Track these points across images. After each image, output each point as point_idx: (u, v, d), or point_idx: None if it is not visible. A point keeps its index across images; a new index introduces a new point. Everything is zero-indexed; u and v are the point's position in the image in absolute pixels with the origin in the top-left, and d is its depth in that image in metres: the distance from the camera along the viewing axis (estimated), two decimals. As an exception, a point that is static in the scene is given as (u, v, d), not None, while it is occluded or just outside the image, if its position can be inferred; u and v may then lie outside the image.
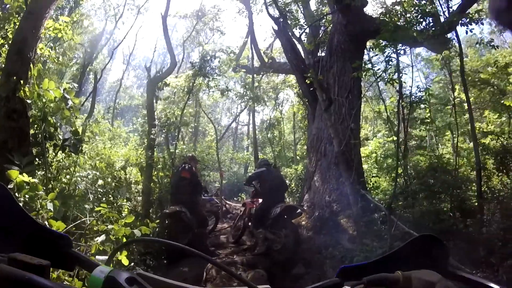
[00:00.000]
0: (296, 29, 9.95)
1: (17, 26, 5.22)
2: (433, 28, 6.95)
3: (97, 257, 2.62)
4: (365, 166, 9.90)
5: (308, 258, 6.13)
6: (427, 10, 7.44)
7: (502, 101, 9.29)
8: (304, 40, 9.77)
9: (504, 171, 7.64)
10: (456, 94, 10.06)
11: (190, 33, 19.03)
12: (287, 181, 9.65)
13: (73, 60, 16.75)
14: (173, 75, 13.01)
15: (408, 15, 7.35)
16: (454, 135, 9.82)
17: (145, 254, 5.15)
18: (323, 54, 10.01)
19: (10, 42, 5.13)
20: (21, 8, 5.88)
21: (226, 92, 12.72)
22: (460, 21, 6.51)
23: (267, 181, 6.62)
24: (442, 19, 7.39)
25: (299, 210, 6.48)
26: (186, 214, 5.96)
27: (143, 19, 46.71)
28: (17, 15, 5.94)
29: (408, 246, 0.83)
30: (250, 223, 6.88)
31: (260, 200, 6.80)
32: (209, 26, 18.72)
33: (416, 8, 7.48)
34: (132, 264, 4.28)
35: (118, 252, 2.93)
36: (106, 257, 2.72)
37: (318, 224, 7.41)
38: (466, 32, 6.74)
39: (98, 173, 5.54)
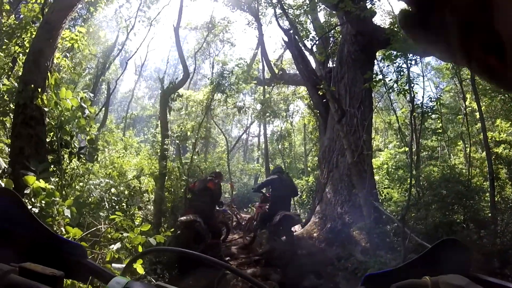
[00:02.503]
0: (307, 40, 10.02)
1: (33, 35, 5.35)
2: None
3: (113, 265, 2.62)
4: (376, 178, 9.82)
5: (321, 270, 6.04)
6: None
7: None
8: (315, 51, 9.82)
9: (517, 180, 7.52)
10: (467, 103, 10.00)
11: (202, 45, 19.27)
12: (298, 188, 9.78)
13: (85, 71, 17.08)
14: (185, 86, 13.17)
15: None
16: (466, 145, 9.73)
17: (156, 264, 5.14)
18: (333, 65, 10.03)
19: (26, 50, 5.25)
20: (37, 18, 6.04)
21: (243, 109, 12.81)
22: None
23: (277, 188, 6.82)
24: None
25: (297, 219, 6.67)
26: (201, 224, 5.95)
27: (155, 30, 47.60)
28: (33, 24, 6.10)
29: (432, 251, 0.82)
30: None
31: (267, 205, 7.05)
32: (219, 38, 18.93)
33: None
34: (143, 273, 4.27)
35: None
36: (123, 265, 2.73)
37: (330, 235, 7.32)
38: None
39: (111, 182, 5.58)
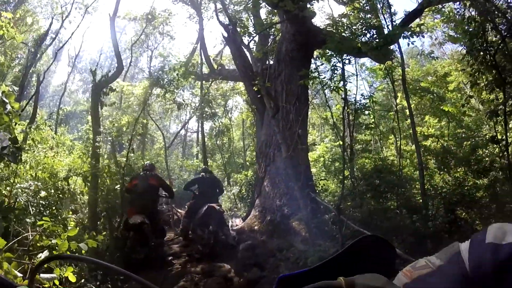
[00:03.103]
0: (245, 36, 10.10)
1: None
2: (377, 40, 7.43)
3: (41, 275, 2.48)
4: (313, 170, 10.26)
5: (263, 262, 6.20)
6: (371, 23, 7.95)
7: (442, 107, 10.16)
8: (253, 48, 9.95)
9: (445, 169, 8.33)
10: (398, 101, 10.79)
11: (139, 37, 18.48)
12: (230, 187, 11.45)
13: (15, 61, 15.53)
14: (120, 79, 12.58)
15: (353, 27, 7.79)
16: (397, 139, 10.50)
17: (96, 270, 4.89)
18: (271, 62, 10.25)
19: None
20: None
21: (183, 106, 12.55)
22: (402, 34, 7.02)
23: (200, 185, 7.53)
24: (385, 32, 7.93)
25: (220, 210, 6.87)
26: (148, 225, 5.75)
27: (91, 19, 44.60)
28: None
29: (351, 249, 0.79)
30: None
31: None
32: (159, 30, 18.32)
33: (361, 20, 7.97)
34: (83, 280, 4.06)
35: (61, 269, 2.79)
36: (52, 275, 2.59)
37: (271, 228, 7.53)
38: (408, 44, 7.28)
39: (40, 184, 5.18)
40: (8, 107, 4.02)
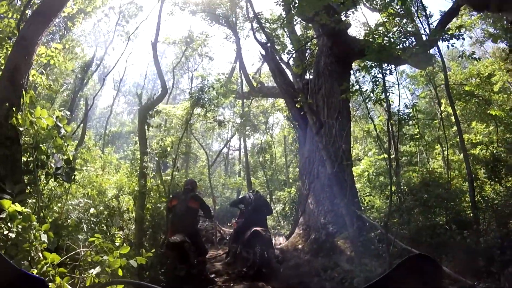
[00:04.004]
0: (283, 53, 10.15)
1: (9, 52, 5.22)
2: (416, 46, 7.18)
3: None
4: (358, 186, 9.95)
5: (307, 281, 6.02)
6: (408, 28, 7.71)
7: (488, 111, 9.54)
8: (292, 64, 9.97)
9: (496, 179, 7.75)
10: (442, 107, 10.30)
11: (180, 60, 19.26)
12: (274, 205, 11.05)
13: (63, 86, 16.74)
14: (164, 101, 13.06)
15: (390, 34, 7.59)
16: (444, 148, 9.97)
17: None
18: (310, 77, 10.19)
19: (1, 67, 5.12)
20: (13, 34, 5.90)
21: (224, 123, 12.82)
22: (441, 37, 6.73)
23: (248, 206, 7.19)
24: (423, 36, 7.66)
25: (265, 234, 6.70)
26: (189, 244, 5.83)
27: (133, 45, 47.31)
28: (9, 40, 5.95)
29: (400, 268, 0.80)
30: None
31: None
32: (197, 52, 18.97)
33: (398, 27, 7.75)
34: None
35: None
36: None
37: (315, 246, 7.32)
38: (448, 47, 6.95)
39: (90, 202, 5.42)
40: (62, 130, 4.27)
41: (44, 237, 2.81)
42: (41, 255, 2.70)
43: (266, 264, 6.44)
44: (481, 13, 9.44)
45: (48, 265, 2.63)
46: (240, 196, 8.26)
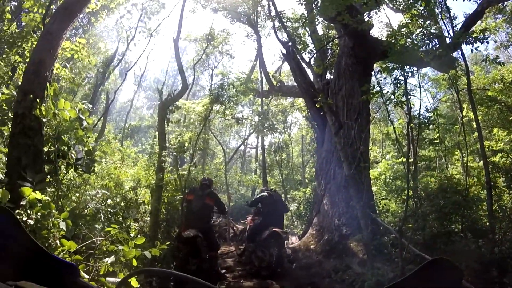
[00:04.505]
0: (305, 53, 10.10)
1: (34, 45, 5.38)
2: (439, 49, 7.02)
3: (107, 279, 2.60)
4: (374, 189, 9.81)
5: (318, 282, 6.01)
6: (432, 30, 7.54)
7: (511, 118, 9.25)
8: (313, 64, 9.90)
9: (515, 188, 7.53)
10: (464, 113, 10.04)
11: (201, 57, 19.40)
12: (288, 205, 10.63)
13: (85, 80, 17.16)
14: (183, 97, 13.21)
15: (413, 36, 7.44)
16: (464, 154, 9.72)
17: (151, 276, 5.09)
18: (331, 77, 10.10)
19: (26, 60, 5.28)
20: (38, 28, 6.08)
21: (242, 121, 12.87)
22: (465, 40, 6.56)
23: (267, 205, 7.13)
24: (447, 39, 7.48)
25: (284, 236, 6.75)
26: (201, 239, 5.91)
27: (154, 41, 47.98)
28: (34, 34, 6.13)
29: (420, 272, 0.78)
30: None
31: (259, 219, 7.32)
32: (218, 50, 19.05)
33: (422, 29, 7.59)
34: (139, 286, 4.23)
35: (125, 273, 2.91)
36: (117, 279, 2.71)
37: (328, 247, 7.28)
38: (472, 50, 6.78)
39: (107, 193, 5.55)
40: (84, 122, 4.39)
41: (62, 225, 2.90)
42: (58, 242, 2.79)
43: (280, 264, 6.48)
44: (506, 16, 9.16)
45: (64, 252, 2.71)
46: (257, 195, 8.07)
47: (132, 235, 4.61)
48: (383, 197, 9.88)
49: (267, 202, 7.17)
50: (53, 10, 6.04)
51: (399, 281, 0.78)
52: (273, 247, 6.39)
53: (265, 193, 7.43)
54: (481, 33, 6.48)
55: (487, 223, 6.52)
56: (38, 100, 4.06)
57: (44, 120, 4.11)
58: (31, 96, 4.08)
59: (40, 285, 0.65)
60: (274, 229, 6.42)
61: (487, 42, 6.69)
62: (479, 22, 8.44)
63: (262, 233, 6.65)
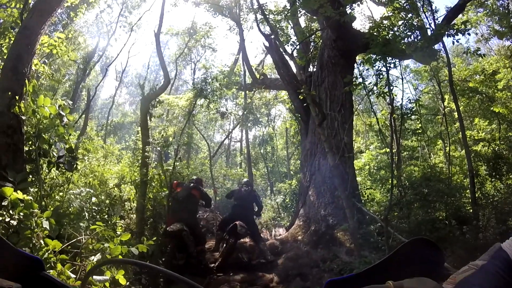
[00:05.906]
0: (287, 45, 10.07)
1: (12, 41, 5.22)
2: (421, 41, 7.13)
3: (94, 277, 2.57)
4: (358, 179, 9.96)
5: (306, 272, 6.07)
6: (414, 23, 7.65)
7: (492, 108, 9.50)
8: (295, 56, 9.90)
9: (497, 176, 7.77)
10: (445, 103, 10.26)
11: (183, 51, 19.17)
12: (274, 197, 11.61)
13: (65, 77, 16.75)
14: (166, 92, 13.06)
15: (395, 28, 7.53)
16: (446, 144, 9.95)
17: (140, 273, 5.05)
18: (314, 69, 10.14)
19: (4, 57, 5.12)
20: (16, 23, 5.89)
21: (226, 115, 12.80)
22: (446, 32, 6.67)
23: (237, 199, 7.59)
24: (429, 31, 7.60)
25: (243, 230, 6.77)
26: (188, 233, 5.90)
27: (136, 36, 47.05)
28: (12, 30, 5.94)
29: (399, 253, 0.77)
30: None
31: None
32: (200, 43, 18.86)
33: (404, 21, 7.69)
34: (127, 283, 4.19)
35: (113, 272, 2.87)
36: (105, 277, 2.67)
37: (315, 238, 7.35)
38: (453, 43, 6.91)
39: (92, 191, 5.46)
40: (65, 119, 4.28)
41: (45, 224, 2.84)
42: (42, 242, 2.73)
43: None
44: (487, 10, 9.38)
45: (49, 252, 2.66)
46: (233, 189, 8.64)
47: (118, 232, 4.55)
48: (368, 187, 10.03)
49: (236, 196, 7.62)
50: (31, 5, 5.85)
51: (381, 261, 0.77)
52: (232, 238, 6.59)
53: (236, 188, 8.04)
54: (463, 25, 6.61)
55: (471, 210, 6.71)
56: (16, 97, 3.94)
57: (23, 117, 4.00)
58: (9, 93, 3.96)
59: (4, 279, 0.63)
60: (236, 223, 6.60)
61: (469, 34, 6.86)
62: (460, 16, 8.58)
63: (228, 224, 6.89)
